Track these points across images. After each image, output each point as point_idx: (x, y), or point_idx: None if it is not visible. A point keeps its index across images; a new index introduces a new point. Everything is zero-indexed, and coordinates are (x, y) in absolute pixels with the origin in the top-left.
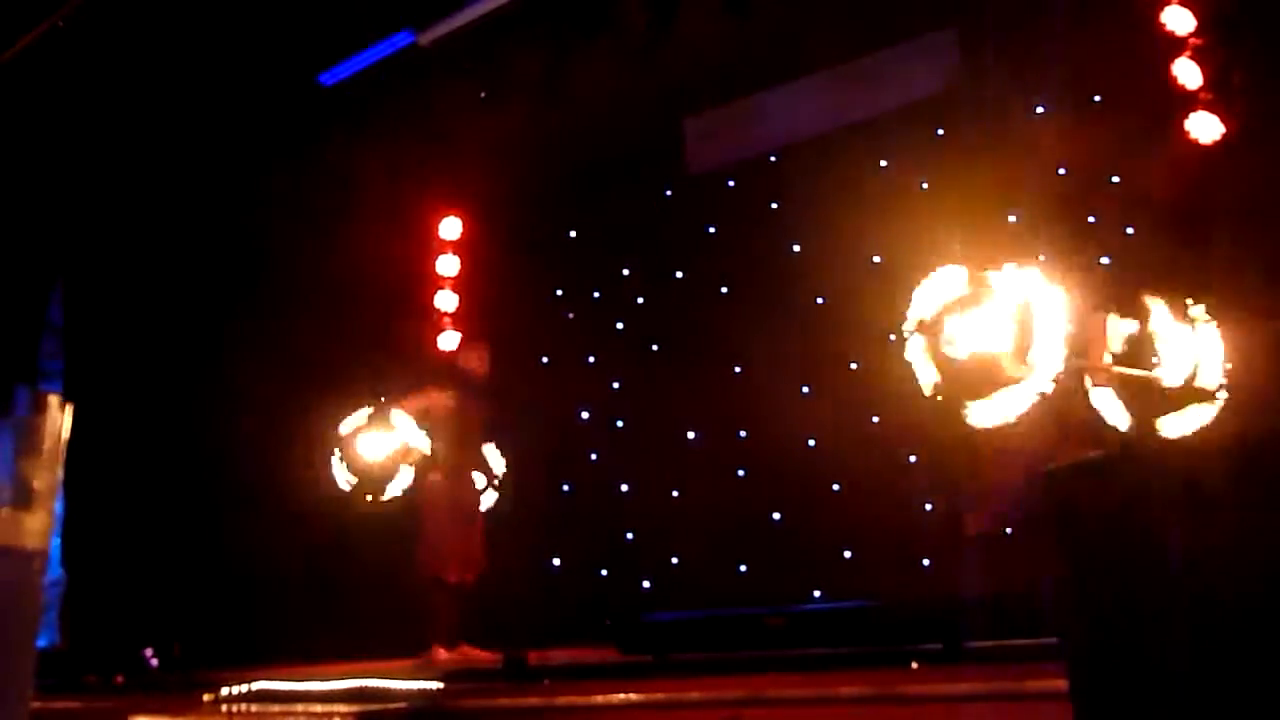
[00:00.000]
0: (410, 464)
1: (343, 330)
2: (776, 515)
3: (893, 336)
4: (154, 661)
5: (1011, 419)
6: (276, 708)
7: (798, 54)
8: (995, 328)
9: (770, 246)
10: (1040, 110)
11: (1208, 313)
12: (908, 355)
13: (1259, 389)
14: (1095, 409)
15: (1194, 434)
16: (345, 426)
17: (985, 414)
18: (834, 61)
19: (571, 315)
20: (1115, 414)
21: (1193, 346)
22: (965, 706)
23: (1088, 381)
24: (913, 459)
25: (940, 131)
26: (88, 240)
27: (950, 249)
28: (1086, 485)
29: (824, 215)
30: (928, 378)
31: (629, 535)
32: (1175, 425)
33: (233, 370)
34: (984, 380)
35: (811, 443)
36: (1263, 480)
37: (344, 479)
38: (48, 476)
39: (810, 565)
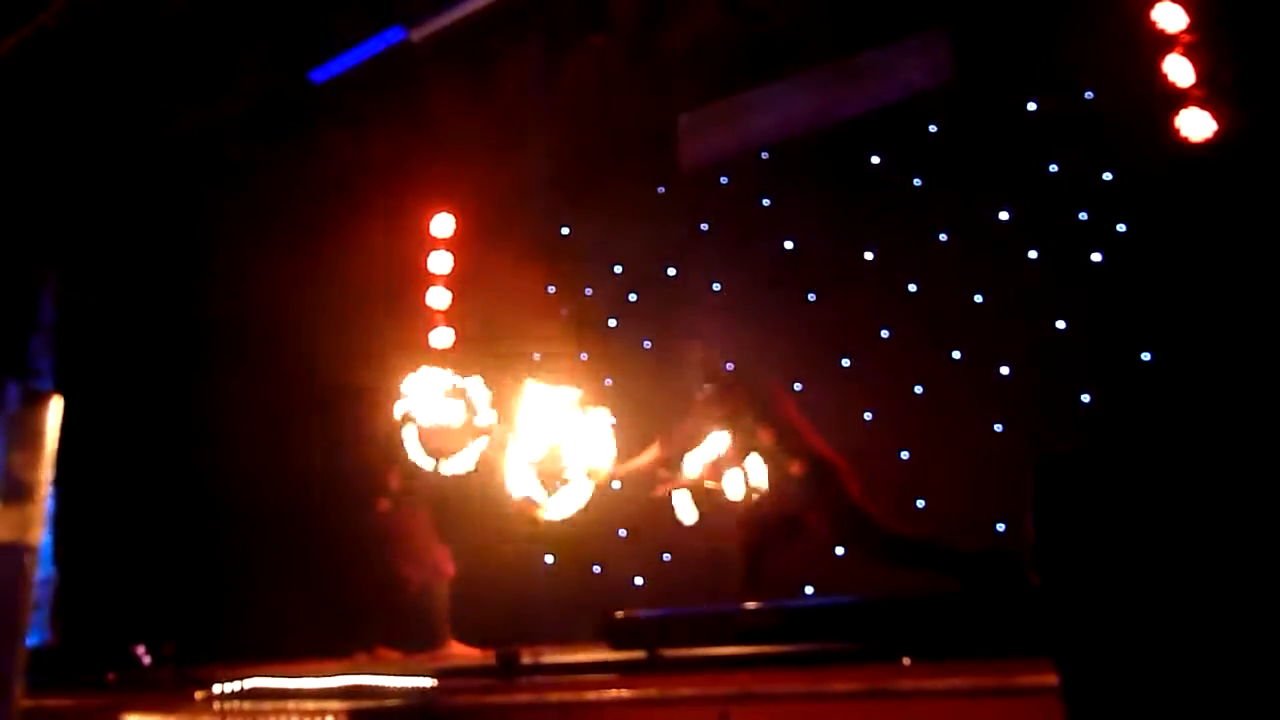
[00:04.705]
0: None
1: (334, 326)
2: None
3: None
4: (146, 659)
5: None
6: (269, 705)
7: (791, 51)
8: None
9: (763, 243)
10: (1032, 107)
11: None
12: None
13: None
14: None
15: (1182, 431)
16: (410, 398)
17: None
18: (827, 58)
19: (564, 312)
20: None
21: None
22: (957, 702)
23: None
24: (905, 454)
25: (933, 128)
26: (79, 237)
27: None
28: (1071, 479)
29: (816, 212)
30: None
31: (621, 532)
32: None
33: (223, 367)
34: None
35: None
36: (1249, 474)
37: (418, 452)
38: (39, 472)
39: (802, 560)
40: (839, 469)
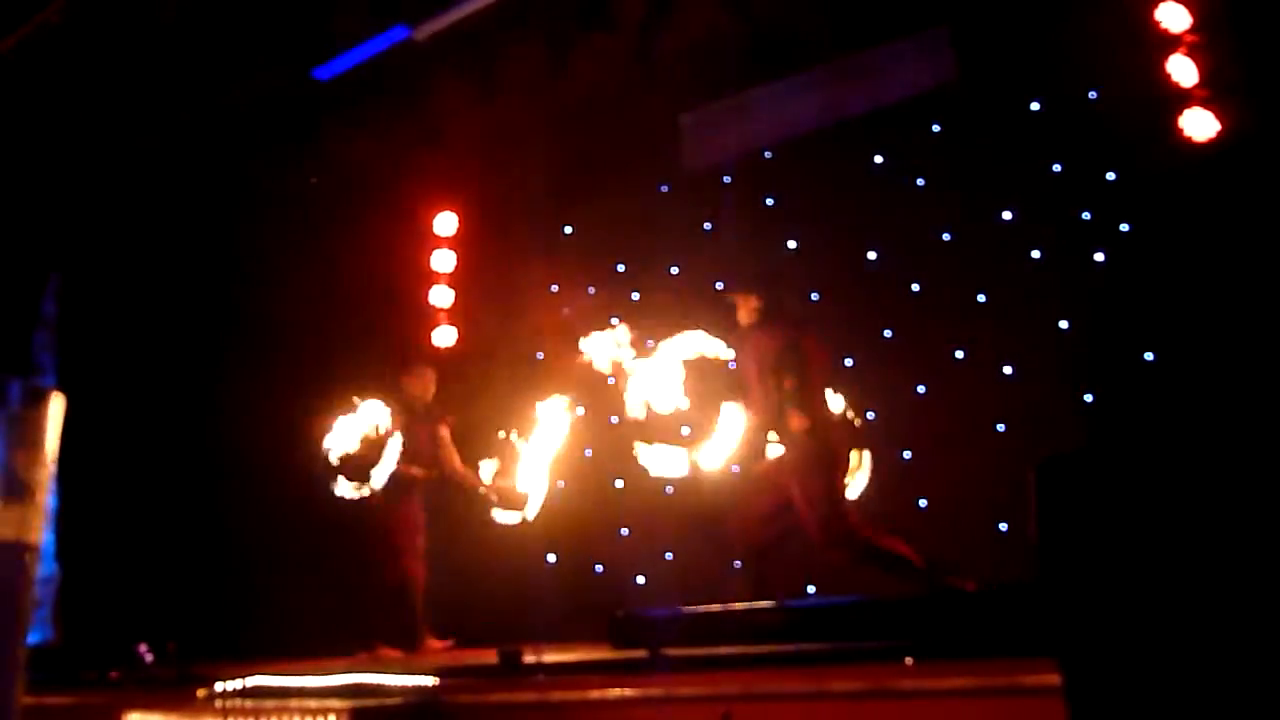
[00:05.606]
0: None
1: (337, 325)
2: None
3: None
4: (149, 657)
5: None
6: (271, 703)
7: (793, 50)
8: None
9: (766, 242)
10: (1035, 107)
11: None
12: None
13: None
14: None
15: (1185, 431)
16: (335, 419)
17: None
18: (830, 58)
19: (567, 311)
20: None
21: None
22: (959, 702)
23: None
24: (907, 454)
25: (936, 128)
26: (82, 234)
27: None
28: (1074, 478)
29: (819, 211)
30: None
31: (624, 531)
32: None
33: (226, 365)
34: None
35: None
36: (1253, 471)
37: (334, 469)
38: (40, 469)
39: (804, 559)
40: (836, 444)
